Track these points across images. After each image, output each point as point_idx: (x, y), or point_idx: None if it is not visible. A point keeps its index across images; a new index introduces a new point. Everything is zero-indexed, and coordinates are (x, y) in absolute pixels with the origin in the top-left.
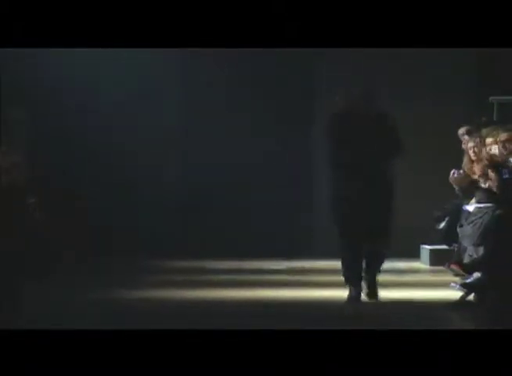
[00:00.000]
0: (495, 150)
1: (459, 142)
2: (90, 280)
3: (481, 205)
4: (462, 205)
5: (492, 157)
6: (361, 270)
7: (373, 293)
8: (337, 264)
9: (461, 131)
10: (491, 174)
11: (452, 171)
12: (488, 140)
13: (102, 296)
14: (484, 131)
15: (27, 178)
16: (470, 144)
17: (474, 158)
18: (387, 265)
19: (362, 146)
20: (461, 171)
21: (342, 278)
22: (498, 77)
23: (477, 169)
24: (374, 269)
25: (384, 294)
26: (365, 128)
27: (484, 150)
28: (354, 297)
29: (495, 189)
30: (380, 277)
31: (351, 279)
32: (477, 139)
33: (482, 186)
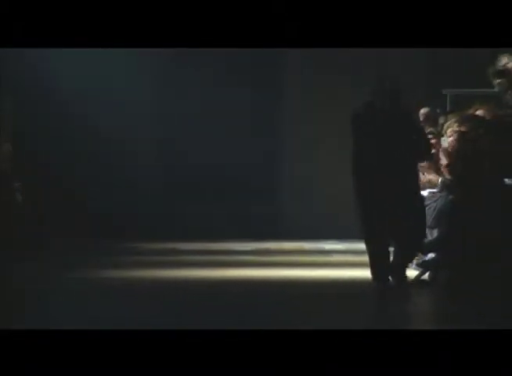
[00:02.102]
0: (448, 141)
1: None
2: (71, 261)
3: (435, 190)
4: None
5: (447, 148)
6: (388, 265)
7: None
8: (301, 245)
9: (423, 111)
10: (445, 164)
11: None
12: (446, 131)
13: (81, 275)
14: (440, 120)
15: (14, 166)
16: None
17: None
18: (351, 246)
19: (387, 144)
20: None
21: (308, 258)
22: (449, 70)
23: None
24: (401, 267)
25: (349, 273)
26: (389, 126)
27: (441, 140)
28: (380, 292)
29: (450, 178)
30: (345, 258)
31: (378, 274)
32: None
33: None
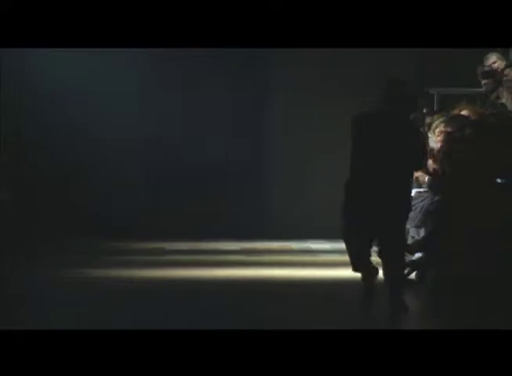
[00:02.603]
0: (435, 141)
1: None
2: (58, 260)
3: (421, 190)
4: None
5: (434, 148)
6: (370, 259)
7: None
8: (286, 245)
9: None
10: (432, 164)
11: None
12: (433, 131)
13: (69, 275)
14: (427, 120)
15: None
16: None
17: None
18: (335, 245)
19: (385, 151)
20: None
21: (292, 258)
22: (436, 69)
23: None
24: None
25: (335, 272)
26: (389, 132)
27: (429, 141)
28: (367, 291)
29: (437, 177)
30: (331, 257)
31: (361, 270)
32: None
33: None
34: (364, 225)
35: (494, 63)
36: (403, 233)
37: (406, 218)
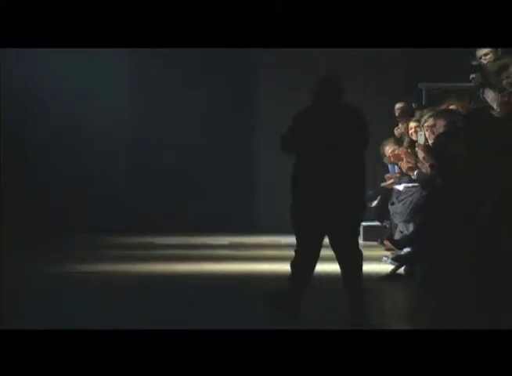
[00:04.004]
0: (423, 135)
1: (389, 128)
2: (52, 256)
3: (410, 185)
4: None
5: (424, 142)
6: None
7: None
8: (275, 239)
9: (398, 105)
10: (422, 158)
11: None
12: (422, 126)
13: (63, 270)
14: (416, 114)
15: None
16: (411, 124)
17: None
18: (324, 240)
19: (331, 143)
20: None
21: (280, 252)
22: (424, 64)
23: (408, 154)
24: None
25: (323, 267)
26: (333, 122)
27: (415, 134)
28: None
29: (426, 172)
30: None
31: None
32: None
33: (416, 168)
34: (319, 224)
35: (486, 55)
36: (358, 229)
37: (362, 211)
